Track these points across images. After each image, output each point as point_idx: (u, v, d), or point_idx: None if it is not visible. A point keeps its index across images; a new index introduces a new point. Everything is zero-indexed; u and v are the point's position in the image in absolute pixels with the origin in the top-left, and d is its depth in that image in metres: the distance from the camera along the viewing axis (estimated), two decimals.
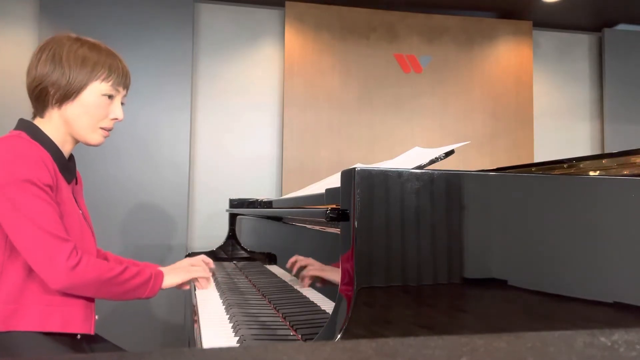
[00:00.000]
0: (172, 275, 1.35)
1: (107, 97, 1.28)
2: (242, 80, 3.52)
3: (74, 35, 1.29)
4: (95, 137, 1.30)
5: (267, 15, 3.57)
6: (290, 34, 3.48)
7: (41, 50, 1.25)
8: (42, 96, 1.24)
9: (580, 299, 0.92)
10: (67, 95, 1.23)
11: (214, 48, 3.49)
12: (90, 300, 1.27)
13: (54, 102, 1.24)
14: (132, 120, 3.19)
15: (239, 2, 3.53)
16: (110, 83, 1.27)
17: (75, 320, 1.22)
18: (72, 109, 1.25)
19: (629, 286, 0.94)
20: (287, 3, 3.48)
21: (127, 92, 1.34)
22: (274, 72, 3.56)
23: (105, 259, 1.56)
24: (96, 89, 1.26)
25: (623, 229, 0.94)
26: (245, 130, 3.50)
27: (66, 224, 1.20)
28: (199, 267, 1.47)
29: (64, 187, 1.24)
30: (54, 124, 1.26)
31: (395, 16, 3.63)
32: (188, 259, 1.56)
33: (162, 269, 1.36)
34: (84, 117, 1.26)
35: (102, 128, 1.30)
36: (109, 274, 1.18)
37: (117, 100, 1.31)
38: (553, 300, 0.91)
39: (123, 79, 1.31)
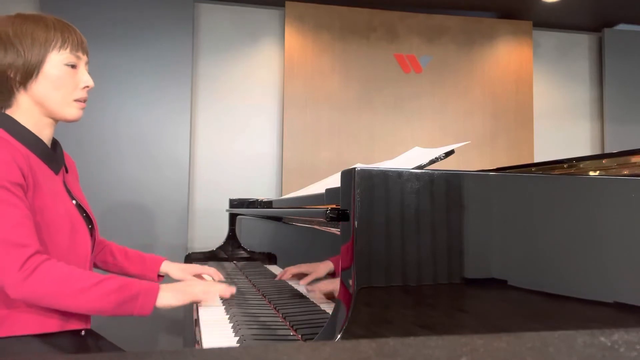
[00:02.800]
0: (170, 295, 1.17)
1: (70, 66, 1.21)
2: (242, 80, 3.52)
3: (12, 14, 1.22)
4: (72, 111, 1.23)
5: (267, 15, 3.57)
6: (290, 34, 3.48)
7: None
8: (4, 82, 1.17)
9: (580, 299, 0.92)
10: (29, 73, 1.17)
11: (214, 48, 3.49)
12: None
13: (17, 85, 1.18)
14: (132, 120, 3.19)
15: (239, 2, 3.53)
16: (67, 51, 1.21)
17: (74, 316, 1.18)
18: (38, 87, 1.18)
19: (629, 286, 0.94)
20: (287, 3, 3.48)
21: (88, 57, 1.28)
22: (274, 72, 3.56)
23: (110, 251, 1.52)
24: (56, 60, 1.19)
25: (623, 229, 0.94)
26: (245, 130, 3.50)
27: (50, 220, 1.15)
28: (207, 296, 1.27)
29: (47, 179, 1.18)
30: (25, 110, 1.20)
31: (395, 16, 3.63)
32: (201, 285, 1.30)
33: (162, 285, 1.19)
34: (54, 93, 1.20)
35: (76, 100, 1.23)
36: (77, 284, 1.06)
37: (82, 67, 1.24)
38: (553, 300, 0.91)
39: (79, 45, 1.23)
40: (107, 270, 1.54)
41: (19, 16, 1.20)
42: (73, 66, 1.22)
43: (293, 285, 1.42)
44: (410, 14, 3.65)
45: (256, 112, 3.52)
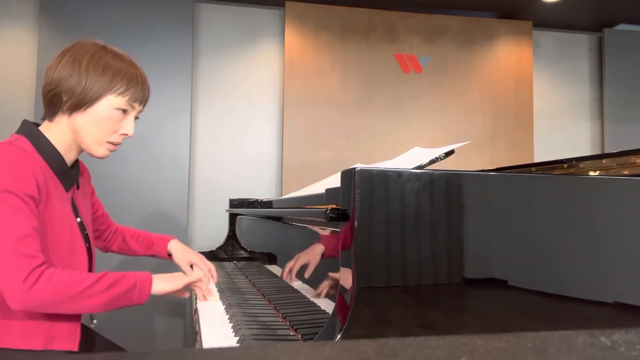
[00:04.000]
0: (163, 282, 1.24)
1: (120, 111, 1.22)
2: (242, 80, 3.52)
3: (101, 42, 1.25)
4: (101, 150, 1.25)
5: (267, 15, 3.57)
6: (290, 34, 3.48)
7: (64, 53, 1.21)
8: (55, 101, 1.20)
9: (580, 299, 0.92)
10: (80, 104, 1.19)
11: (214, 48, 3.49)
12: (76, 316, 1.23)
13: (65, 108, 1.20)
14: None
15: (239, 2, 3.53)
16: (126, 98, 1.22)
17: (59, 337, 1.18)
18: (81, 118, 1.20)
19: (629, 286, 0.94)
20: (287, 3, 3.48)
21: (143, 108, 1.29)
22: (274, 72, 3.56)
23: (123, 238, 1.61)
24: (110, 102, 1.20)
25: (623, 229, 0.94)
26: (245, 130, 3.50)
27: (54, 236, 1.16)
28: (194, 274, 1.36)
29: (59, 197, 1.20)
30: (60, 130, 1.22)
31: (395, 16, 3.63)
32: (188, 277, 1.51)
33: (155, 275, 1.25)
34: (92, 129, 1.21)
35: (109, 142, 1.25)
36: (78, 287, 1.09)
37: (131, 115, 1.26)
38: (553, 300, 0.91)
39: (141, 95, 1.25)
40: (121, 254, 1.67)
41: (103, 49, 1.23)
42: (124, 111, 1.24)
43: (293, 285, 1.42)
44: (410, 14, 3.64)
45: (256, 112, 3.52)
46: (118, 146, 1.28)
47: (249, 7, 3.54)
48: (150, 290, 1.20)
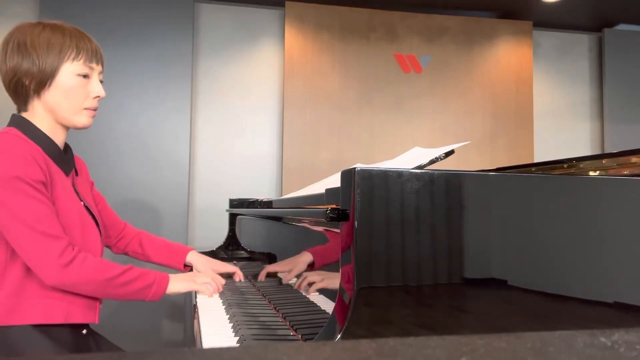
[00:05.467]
0: (178, 282, 1.32)
1: (82, 76, 1.25)
2: (242, 80, 3.52)
3: (34, 21, 1.27)
4: (81, 118, 1.27)
5: (267, 15, 3.57)
6: (290, 34, 3.48)
7: (6, 42, 1.23)
8: (19, 88, 1.23)
9: (581, 299, 0.92)
10: (43, 82, 1.21)
11: (214, 48, 3.49)
12: None
13: (32, 91, 1.22)
14: (132, 121, 3.19)
15: (239, 2, 3.53)
16: (81, 61, 1.24)
17: (78, 311, 1.22)
18: (51, 95, 1.23)
19: (629, 286, 0.94)
20: (287, 3, 3.48)
21: (102, 67, 1.31)
22: (274, 72, 3.56)
23: (140, 242, 1.60)
24: (69, 70, 1.23)
25: (623, 229, 0.94)
26: (245, 130, 3.50)
27: (63, 218, 1.19)
28: (207, 285, 1.40)
29: (61, 180, 1.23)
30: (39, 115, 1.25)
31: (395, 16, 3.63)
32: (206, 278, 1.46)
33: (172, 275, 1.33)
34: (64, 101, 1.24)
35: (86, 109, 1.27)
36: (106, 274, 1.18)
37: (94, 77, 1.28)
38: (553, 300, 0.91)
39: (94, 55, 1.27)
40: (136, 259, 1.64)
41: (39, 25, 1.25)
42: (85, 76, 1.26)
43: (293, 285, 1.42)
44: (410, 14, 3.64)
45: (256, 111, 3.52)
46: (96, 112, 1.30)
47: (249, 7, 3.54)
48: (165, 290, 1.28)
